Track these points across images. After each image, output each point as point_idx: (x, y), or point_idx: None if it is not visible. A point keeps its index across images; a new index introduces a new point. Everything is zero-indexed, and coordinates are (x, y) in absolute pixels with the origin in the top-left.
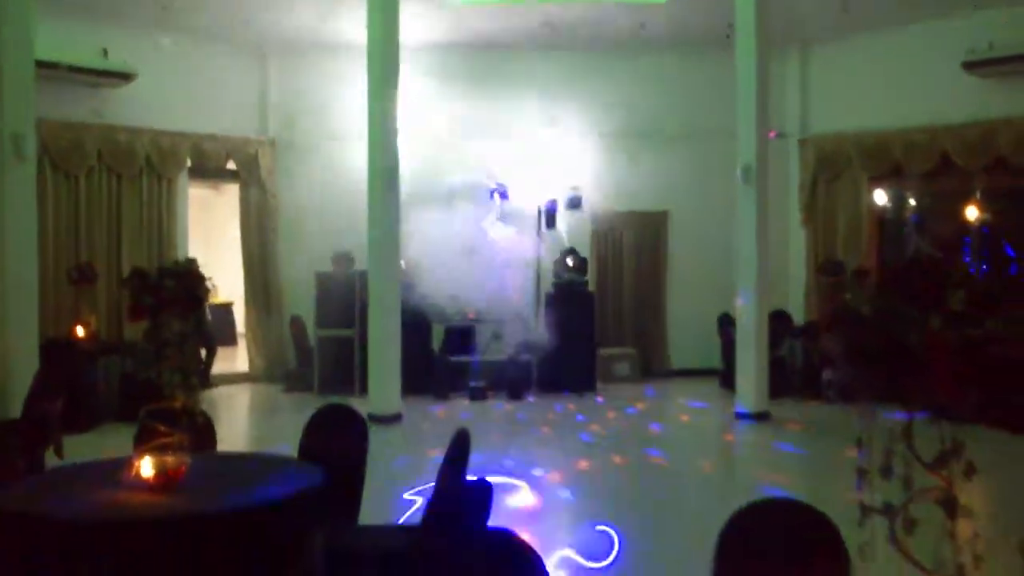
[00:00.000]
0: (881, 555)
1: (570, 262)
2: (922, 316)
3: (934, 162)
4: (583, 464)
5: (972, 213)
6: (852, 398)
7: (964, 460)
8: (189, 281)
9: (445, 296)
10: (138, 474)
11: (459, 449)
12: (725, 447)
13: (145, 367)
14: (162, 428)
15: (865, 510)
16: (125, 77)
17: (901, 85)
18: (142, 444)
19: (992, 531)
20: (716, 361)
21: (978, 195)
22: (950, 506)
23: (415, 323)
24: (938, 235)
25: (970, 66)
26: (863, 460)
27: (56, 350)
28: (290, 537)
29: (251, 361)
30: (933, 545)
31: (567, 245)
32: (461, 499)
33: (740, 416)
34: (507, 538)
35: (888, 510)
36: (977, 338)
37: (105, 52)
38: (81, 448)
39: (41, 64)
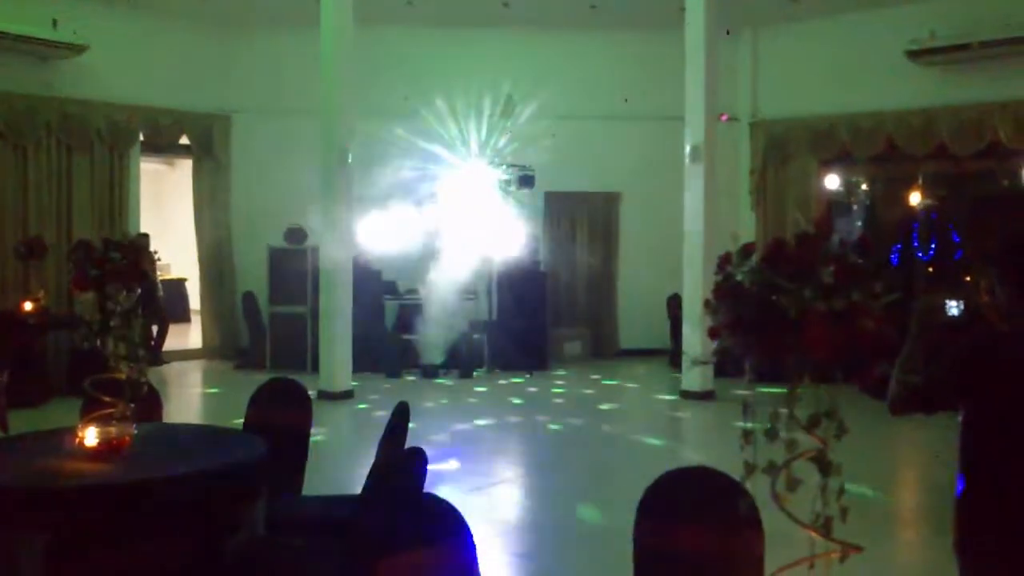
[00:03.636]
0: (763, 510)
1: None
2: (796, 288)
3: (880, 148)
4: (523, 438)
5: (916, 198)
6: (736, 364)
7: (836, 421)
8: (133, 253)
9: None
10: (82, 443)
11: (399, 421)
12: (665, 424)
13: (91, 338)
14: (106, 399)
15: (749, 469)
16: (76, 49)
17: (849, 71)
18: (88, 415)
19: (857, 484)
20: (666, 341)
21: (921, 180)
22: (823, 464)
23: (368, 300)
24: (885, 219)
25: (913, 55)
26: (747, 423)
27: (2, 324)
28: (232, 506)
29: (204, 337)
30: (810, 500)
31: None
32: (398, 468)
33: (685, 395)
34: (437, 503)
35: (770, 469)
36: (843, 309)
37: (55, 23)
38: (29, 422)
39: None
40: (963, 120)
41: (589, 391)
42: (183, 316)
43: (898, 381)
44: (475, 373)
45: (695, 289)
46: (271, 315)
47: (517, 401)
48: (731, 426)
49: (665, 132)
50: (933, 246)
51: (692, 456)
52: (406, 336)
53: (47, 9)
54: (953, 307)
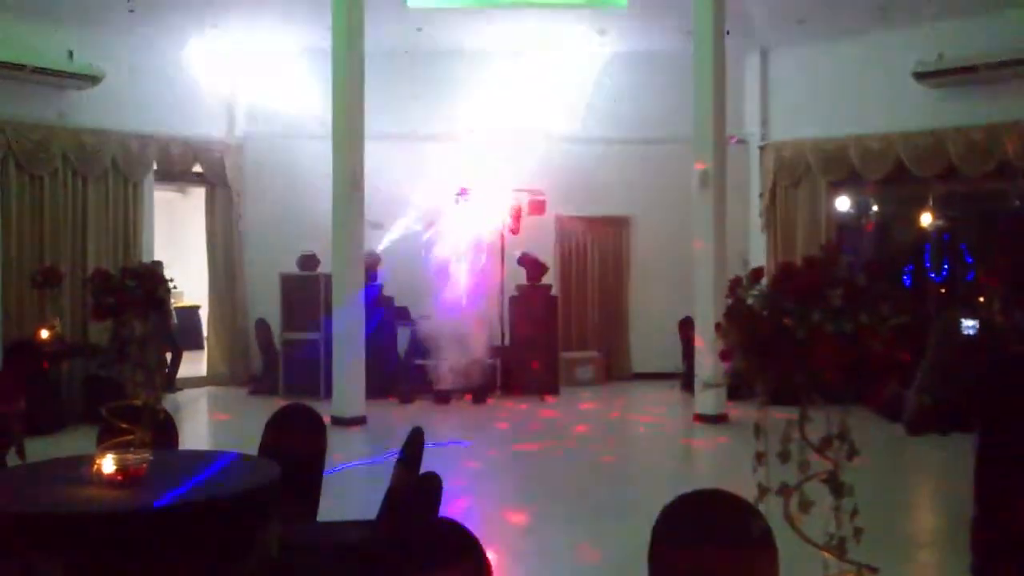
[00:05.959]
0: (777, 532)
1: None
2: (804, 311)
3: (889, 169)
4: (538, 463)
5: (927, 219)
6: (748, 387)
7: (847, 443)
8: (149, 282)
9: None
10: (100, 470)
11: (413, 446)
12: (678, 447)
13: (108, 366)
14: (123, 426)
15: (762, 491)
16: (91, 79)
17: (857, 93)
18: (104, 442)
19: (871, 505)
20: (678, 365)
21: (932, 201)
22: (835, 485)
23: (380, 326)
24: (897, 240)
25: (921, 76)
26: (760, 445)
27: (19, 352)
28: (247, 531)
29: (217, 364)
30: (824, 522)
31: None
32: (413, 493)
33: (699, 418)
34: (453, 528)
35: (782, 490)
36: (851, 332)
37: (71, 54)
38: (45, 450)
39: (5, 65)
40: (972, 140)
41: (601, 414)
42: (197, 343)
43: (915, 401)
44: (487, 398)
45: (707, 312)
46: (284, 342)
47: (531, 425)
48: (745, 449)
49: (676, 155)
50: (945, 267)
51: (706, 479)
52: (419, 362)
53: (63, 40)
54: (969, 327)
